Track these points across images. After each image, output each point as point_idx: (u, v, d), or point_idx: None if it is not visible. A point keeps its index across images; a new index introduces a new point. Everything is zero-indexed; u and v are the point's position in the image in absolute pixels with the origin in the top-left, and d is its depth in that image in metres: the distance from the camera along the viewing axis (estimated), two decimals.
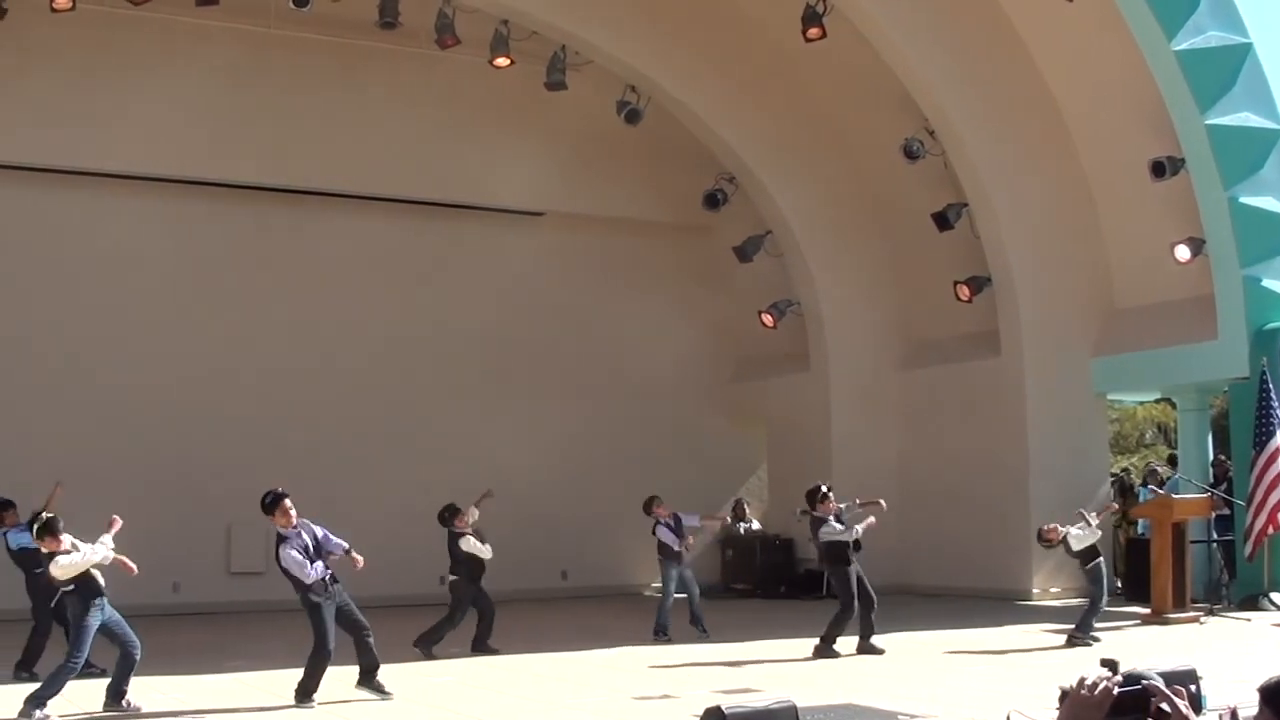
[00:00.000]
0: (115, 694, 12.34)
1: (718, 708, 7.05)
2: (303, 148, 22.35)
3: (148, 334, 21.96)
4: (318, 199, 23.18)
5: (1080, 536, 16.52)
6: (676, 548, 17.63)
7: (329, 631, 12.48)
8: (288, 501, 12.60)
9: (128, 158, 21.59)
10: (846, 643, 15.60)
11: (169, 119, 21.55)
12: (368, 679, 12.76)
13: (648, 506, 17.86)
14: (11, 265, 21.34)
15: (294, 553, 12.40)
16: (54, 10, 19.13)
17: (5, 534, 14.73)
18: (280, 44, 21.80)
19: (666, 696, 12.67)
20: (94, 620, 12.18)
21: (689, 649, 16.28)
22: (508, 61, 21.57)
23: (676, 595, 17.61)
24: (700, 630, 17.36)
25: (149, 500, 20.46)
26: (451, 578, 16.40)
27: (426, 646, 15.86)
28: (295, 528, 12.56)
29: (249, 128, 22.03)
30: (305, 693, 12.39)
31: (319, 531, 12.73)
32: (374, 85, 22.81)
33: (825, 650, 15.47)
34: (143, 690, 12.90)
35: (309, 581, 12.47)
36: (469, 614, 16.23)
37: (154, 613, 20.18)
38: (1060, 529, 16.49)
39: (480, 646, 16.17)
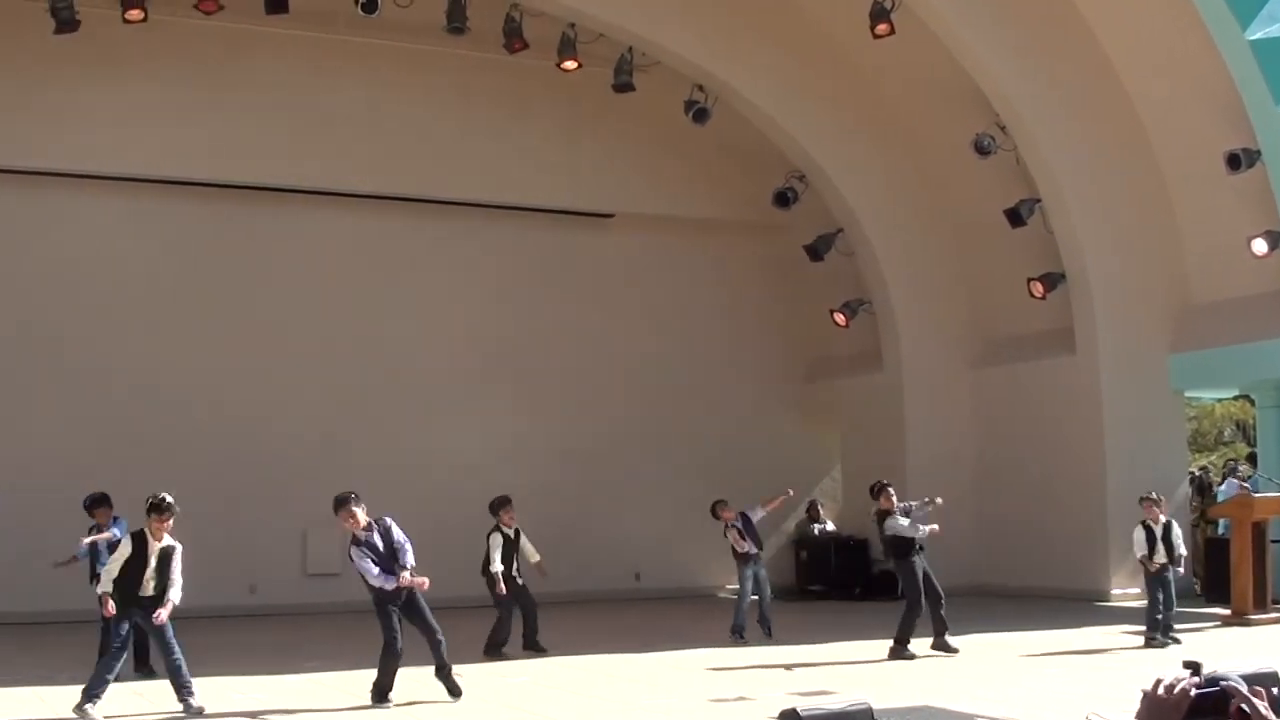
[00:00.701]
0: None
1: (793, 710, 6.98)
2: (372, 153, 22.48)
3: (226, 341, 22.17)
4: (387, 204, 23.29)
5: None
6: (741, 549, 17.59)
7: (398, 632, 12.51)
8: (354, 505, 12.61)
9: (205, 164, 21.79)
10: (921, 644, 15.50)
11: (243, 126, 21.78)
12: (443, 674, 12.75)
13: (715, 511, 17.83)
14: (91, 271, 21.60)
15: (367, 563, 12.43)
16: (126, 21, 19.39)
17: (113, 526, 14.74)
18: (349, 50, 21.93)
19: (742, 699, 12.63)
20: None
21: (764, 651, 16.21)
22: (575, 64, 21.60)
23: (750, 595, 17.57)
24: (765, 632, 17.30)
25: (227, 504, 20.74)
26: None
27: (495, 650, 15.92)
28: (366, 529, 12.58)
29: (321, 134, 22.19)
30: (380, 692, 12.44)
31: (398, 536, 12.69)
32: (442, 90, 22.92)
33: (900, 652, 15.36)
34: (221, 690, 13.02)
35: (384, 588, 12.51)
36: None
37: (231, 614, 20.52)
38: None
39: (531, 644, 16.22)
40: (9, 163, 20.98)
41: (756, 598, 17.50)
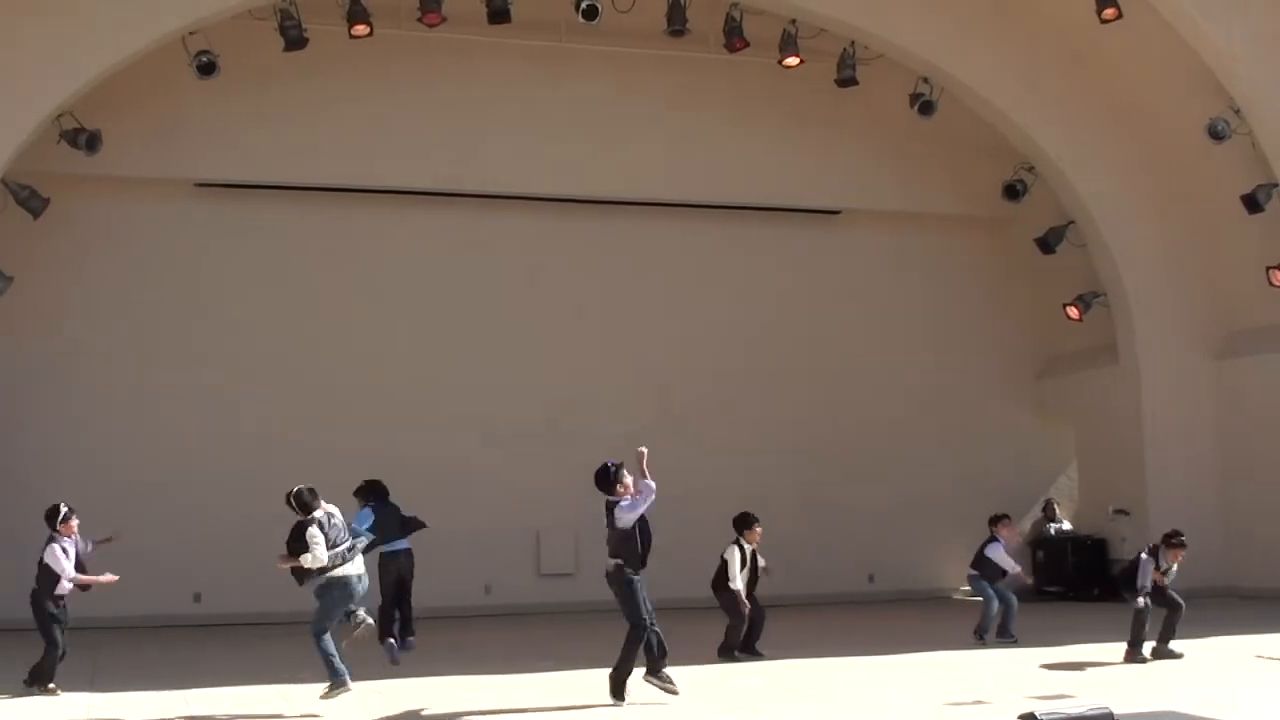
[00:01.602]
0: None
1: (1031, 714, 6.87)
2: (594, 158, 22.71)
3: (477, 345, 22.69)
4: (610, 208, 23.46)
5: None
6: (1007, 566, 17.39)
7: (641, 605, 12.39)
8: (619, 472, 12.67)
9: (428, 174, 22.29)
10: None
11: (474, 135, 22.24)
12: (655, 672, 12.69)
13: (995, 520, 17.68)
14: (320, 278, 22.31)
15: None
16: (352, 37, 19.94)
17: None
18: (571, 57, 22.17)
19: (979, 702, 12.39)
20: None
21: (1000, 653, 15.97)
22: (797, 61, 21.51)
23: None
24: (1007, 638, 17.01)
25: (462, 505, 21.11)
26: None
27: (728, 652, 15.90)
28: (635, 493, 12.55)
29: (543, 140, 22.49)
30: (619, 684, 12.38)
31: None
32: (664, 92, 23.01)
33: (1134, 655, 14.95)
34: (452, 689, 13.22)
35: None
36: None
37: (466, 614, 20.93)
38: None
39: (748, 649, 16.11)
40: (263, 179, 21.90)
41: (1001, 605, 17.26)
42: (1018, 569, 17.77)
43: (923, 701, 12.63)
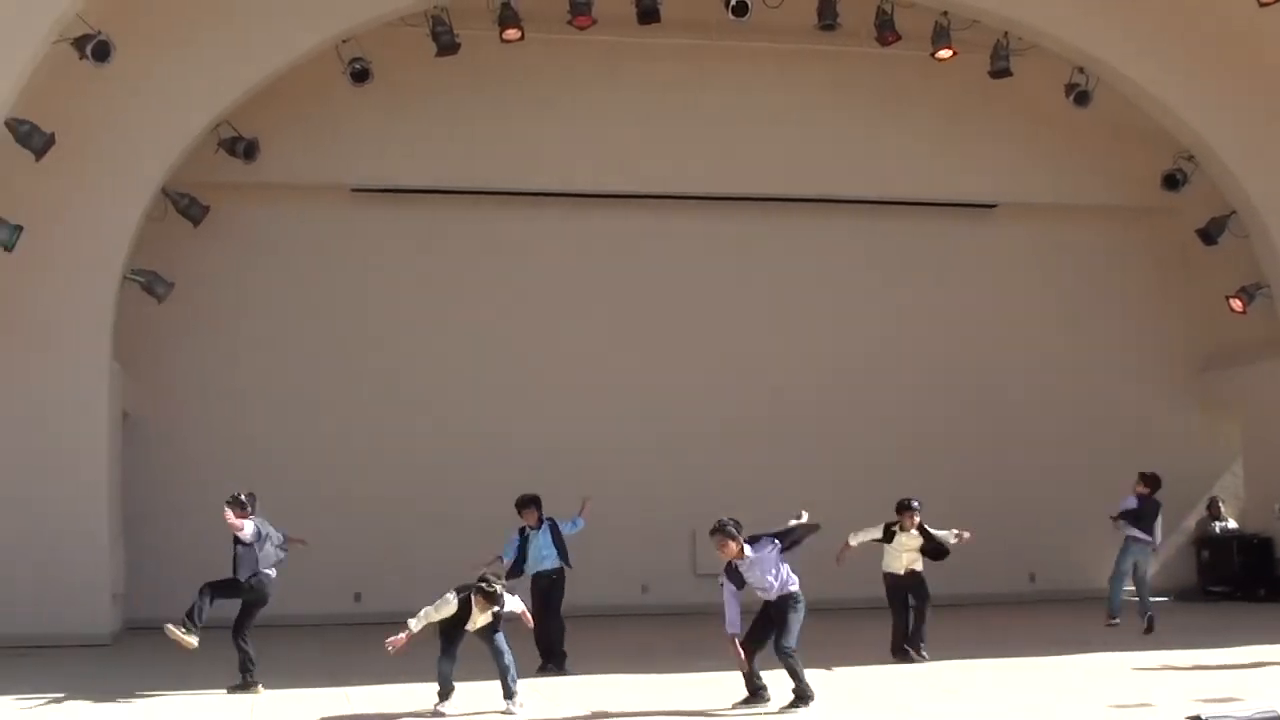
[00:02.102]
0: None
1: (1198, 717, 6.70)
2: (748, 155, 22.65)
3: (619, 343, 22.84)
4: (762, 205, 23.38)
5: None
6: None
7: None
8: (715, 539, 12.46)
9: (584, 176, 22.44)
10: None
11: (625, 137, 22.32)
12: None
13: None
14: (476, 280, 22.54)
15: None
16: (504, 41, 20.11)
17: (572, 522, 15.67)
18: (721, 55, 22.11)
19: (1144, 704, 12.13)
20: None
21: (1166, 654, 15.59)
22: (950, 53, 21.27)
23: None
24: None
25: (619, 504, 21.21)
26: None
27: (903, 653, 15.81)
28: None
29: (700, 141, 22.51)
30: (800, 697, 12.36)
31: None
32: (816, 88, 22.88)
33: None
34: (613, 687, 13.25)
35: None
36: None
37: (623, 613, 21.01)
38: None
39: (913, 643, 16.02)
40: (417, 183, 22.21)
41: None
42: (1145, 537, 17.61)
43: (1086, 703, 12.41)
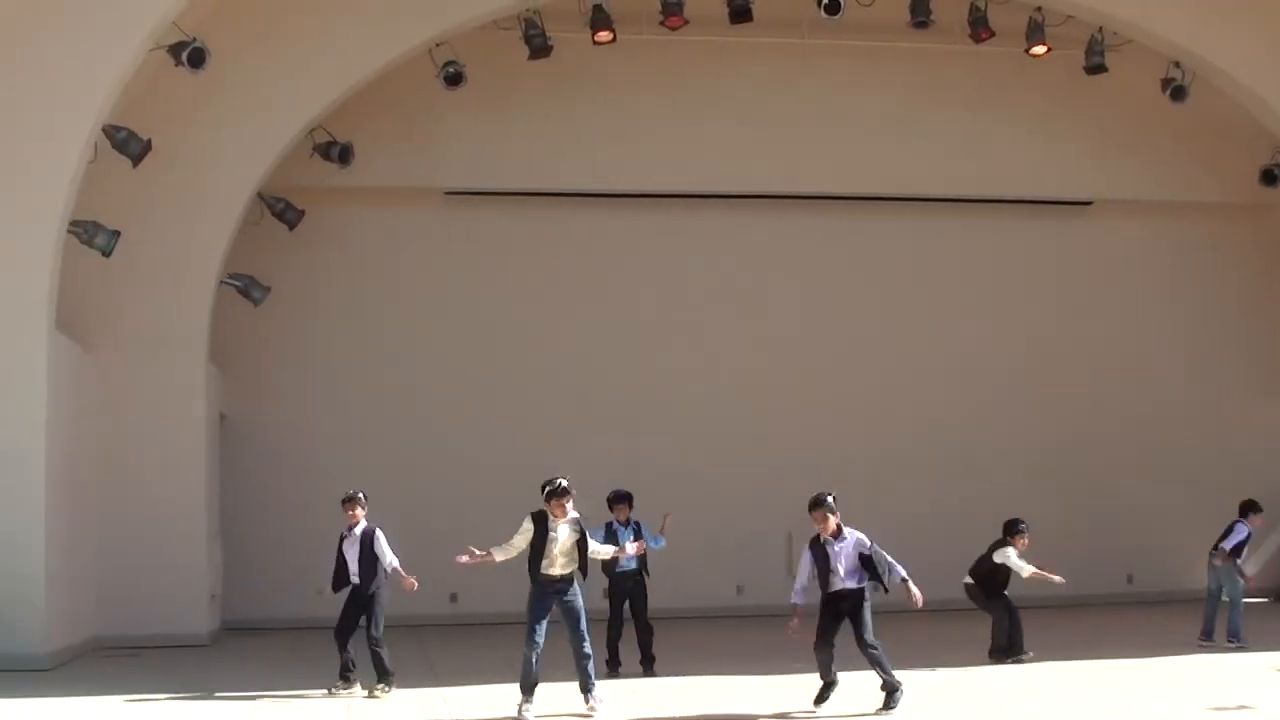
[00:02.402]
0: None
1: None
2: (843, 154, 22.54)
3: (721, 344, 22.81)
4: (856, 204, 23.22)
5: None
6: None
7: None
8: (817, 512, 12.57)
9: (679, 177, 22.39)
10: None
11: (721, 137, 22.24)
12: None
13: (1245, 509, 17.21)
14: (570, 281, 22.62)
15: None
16: (596, 43, 20.20)
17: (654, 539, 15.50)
18: (817, 53, 22.02)
19: (1243, 707, 11.97)
20: None
21: (1258, 656, 15.38)
22: (1044, 49, 21.06)
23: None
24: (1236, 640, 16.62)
25: (714, 505, 21.26)
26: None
27: (1017, 651, 15.75)
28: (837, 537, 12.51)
29: (794, 141, 22.40)
30: (890, 690, 12.32)
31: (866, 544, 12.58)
32: (910, 85, 22.74)
33: None
34: (707, 688, 13.22)
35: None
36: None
37: (717, 614, 20.99)
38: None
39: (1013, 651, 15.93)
40: (511, 186, 22.28)
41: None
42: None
43: (1183, 705, 12.25)
